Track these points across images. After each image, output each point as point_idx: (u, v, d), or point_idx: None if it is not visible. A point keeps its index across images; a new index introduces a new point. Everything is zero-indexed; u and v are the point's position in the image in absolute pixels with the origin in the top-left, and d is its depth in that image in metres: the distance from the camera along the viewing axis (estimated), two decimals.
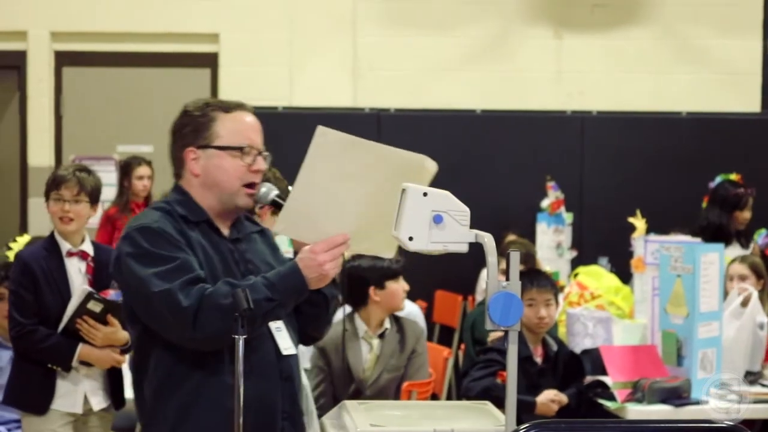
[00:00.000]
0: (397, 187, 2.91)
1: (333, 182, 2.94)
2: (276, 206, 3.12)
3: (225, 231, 3.12)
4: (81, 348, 4.43)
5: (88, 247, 4.60)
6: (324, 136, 2.93)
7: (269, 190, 3.12)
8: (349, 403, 3.28)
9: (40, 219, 8.60)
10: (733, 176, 6.95)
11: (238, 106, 3.12)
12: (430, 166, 2.99)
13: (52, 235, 4.59)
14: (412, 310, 5.97)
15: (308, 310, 3.20)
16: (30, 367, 4.49)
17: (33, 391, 4.48)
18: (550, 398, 4.96)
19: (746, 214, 6.72)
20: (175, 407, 3.00)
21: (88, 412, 4.55)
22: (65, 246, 4.55)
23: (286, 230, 3.04)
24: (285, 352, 3.08)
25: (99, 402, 4.57)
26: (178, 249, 2.97)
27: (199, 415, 2.99)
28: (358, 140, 2.99)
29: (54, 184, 4.55)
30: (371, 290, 5.05)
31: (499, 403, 3.30)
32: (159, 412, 3.02)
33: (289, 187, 3.04)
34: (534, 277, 5.19)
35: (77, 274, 4.53)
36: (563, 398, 4.99)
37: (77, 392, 4.51)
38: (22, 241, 5.42)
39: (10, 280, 4.57)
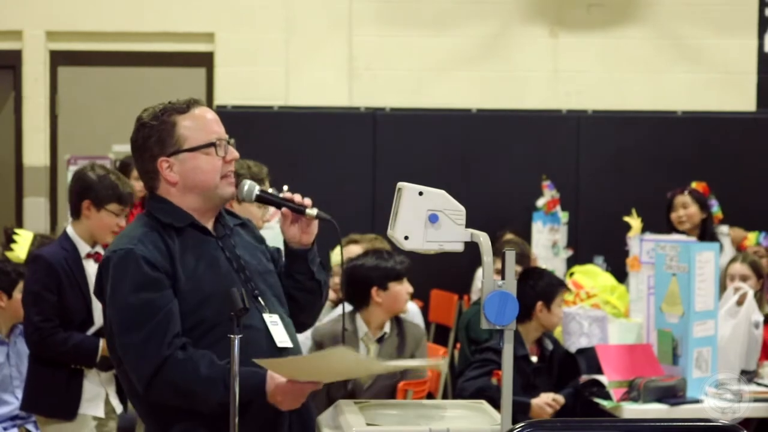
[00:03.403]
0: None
1: (325, 367, 2.93)
2: (260, 201, 3.13)
3: (211, 229, 3.11)
4: (103, 342, 4.32)
5: (100, 250, 4.55)
6: (334, 352, 2.87)
7: (252, 187, 3.11)
8: (345, 403, 3.28)
9: (35, 218, 8.62)
10: (694, 184, 6.98)
11: (192, 104, 3.09)
12: (442, 368, 2.97)
13: (67, 236, 4.50)
14: (411, 309, 5.94)
15: (304, 298, 3.20)
16: (52, 371, 4.40)
17: (59, 396, 4.40)
18: (546, 401, 4.95)
19: (679, 213, 6.73)
20: (180, 409, 2.99)
21: (108, 416, 4.53)
22: (85, 248, 4.47)
23: (264, 365, 2.96)
24: (280, 345, 3.07)
25: (118, 405, 4.55)
26: (152, 284, 2.94)
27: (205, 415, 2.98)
28: (370, 361, 2.99)
29: (119, 198, 4.45)
30: (374, 291, 4.94)
31: (493, 404, 3.31)
32: (163, 412, 3.01)
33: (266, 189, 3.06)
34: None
35: (94, 276, 4.45)
36: (560, 400, 4.99)
37: (100, 395, 4.47)
38: (25, 237, 5.39)
39: (30, 280, 4.45)
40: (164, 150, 3.05)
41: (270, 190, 3.31)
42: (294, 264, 3.19)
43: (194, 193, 3.06)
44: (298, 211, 3.11)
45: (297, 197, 3.12)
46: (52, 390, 4.41)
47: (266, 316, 3.04)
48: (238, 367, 2.85)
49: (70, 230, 4.52)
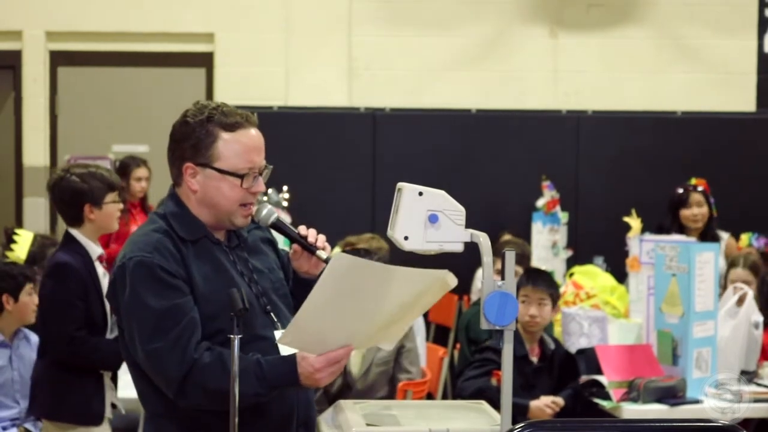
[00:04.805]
0: (411, 300, 2.84)
1: (343, 301, 2.82)
2: (276, 229, 3.09)
3: (223, 240, 3.07)
4: None
5: (101, 251, 4.53)
6: (340, 261, 2.77)
7: (270, 213, 3.07)
8: (345, 403, 3.29)
9: (35, 218, 8.62)
10: (693, 180, 6.99)
11: (242, 123, 3.00)
12: (451, 281, 2.86)
13: (75, 240, 4.43)
14: None
15: None
16: (81, 378, 4.38)
17: (89, 402, 4.39)
18: (545, 404, 4.95)
19: (694, 210, 6.74)
20: (190, 415, 2.96)
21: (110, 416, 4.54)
22: (95, 250, 4.44)
23: (290, 344, 2.91)
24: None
25: (120, 405, 4.55)
26: (173, 291, 2.90)
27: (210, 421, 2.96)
28: (377, 265, 2.87)
29: (111, 186, 4.46)
30: None
31: (492, 404, 3.31)
32: (175, 419, 2.98)
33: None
34: (531, 276, 5.20)
35: (104, 278, 4.41)
36: (560, 402, 4.99)
37: (108, 399, 4.47)
38: (25, 237, 5.37)
39: (56, 289, 4.35)
40: (195, 158, 2.98)
41: (288, 221, 3.26)
42: (299, 288, 3.16)
43: (209, 210, 3.02)
44: (309, 250, 3.07)
45: (311, 234, 3.08)
46: (81, 396, 4.39)
47: (277, 333, 3.01)
48: (264, 359, 2.85)
49: (76, 234, 4.45)
